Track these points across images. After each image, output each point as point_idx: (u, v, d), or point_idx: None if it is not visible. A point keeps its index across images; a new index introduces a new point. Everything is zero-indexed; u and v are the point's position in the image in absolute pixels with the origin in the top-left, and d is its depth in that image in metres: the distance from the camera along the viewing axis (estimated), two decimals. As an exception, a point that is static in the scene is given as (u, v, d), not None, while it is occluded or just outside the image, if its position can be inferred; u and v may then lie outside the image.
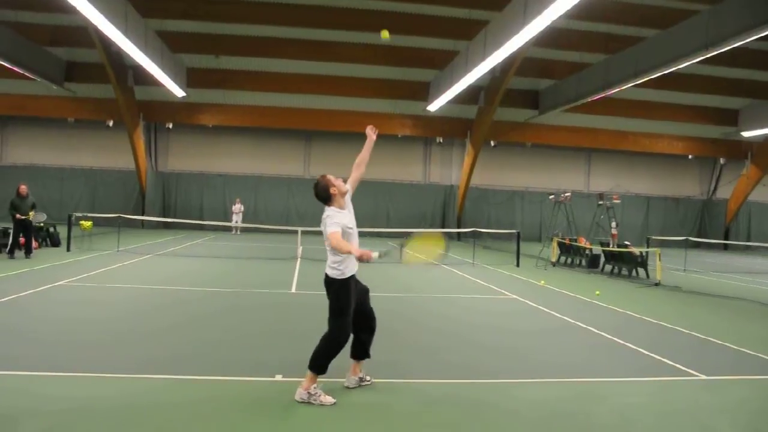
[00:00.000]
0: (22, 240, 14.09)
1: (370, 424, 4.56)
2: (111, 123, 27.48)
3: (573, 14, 13.27)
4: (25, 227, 13.91)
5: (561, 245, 18.97)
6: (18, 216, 13.73)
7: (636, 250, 16.23)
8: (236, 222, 27.15)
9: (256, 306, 9.35)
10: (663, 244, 19.82)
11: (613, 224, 18.64)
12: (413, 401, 5.04)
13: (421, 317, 8.99)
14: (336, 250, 5.11)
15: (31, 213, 14.22)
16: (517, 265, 17.42)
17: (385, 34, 7.00)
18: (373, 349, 6.90)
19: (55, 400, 4.64)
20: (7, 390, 4.85)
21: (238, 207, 28.28)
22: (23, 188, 14.23)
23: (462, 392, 5.36)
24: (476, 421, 4.67)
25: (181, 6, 19.93)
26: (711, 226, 33.58)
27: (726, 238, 31.95)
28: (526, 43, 14.84)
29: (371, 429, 4.47)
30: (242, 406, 4.77)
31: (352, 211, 5.64)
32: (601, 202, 19.36)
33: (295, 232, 19.89)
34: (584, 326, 8.58)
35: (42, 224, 17.03)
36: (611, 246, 17.36)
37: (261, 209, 29.90)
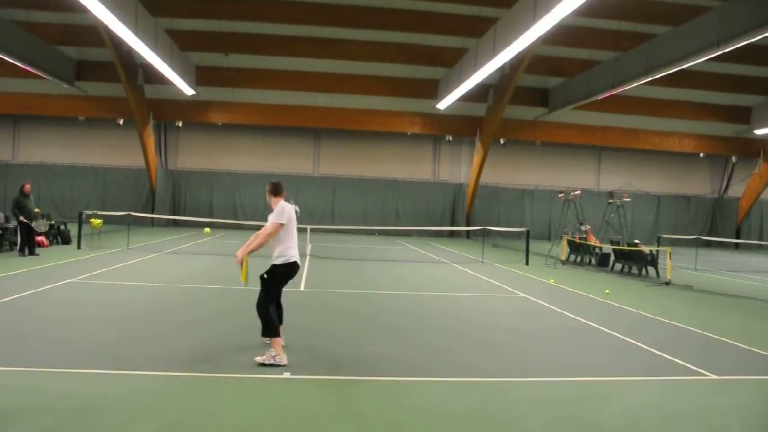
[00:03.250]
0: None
1: (376, 421, 4.55)
2: (121, 121, 27.69)
3: (583, 11, 13.18)
4: (29, 227, 14.00)
5: (571, 243, 18.89)
6: (23, 219, 13.79)
7: (646, 249, 16.13)
8: None
9: (264, 304, 9.36)
10: (674, 243, 19.69)
11: (586, 225, 18.89)
12: (420, 400, 5.03)
13: (429, 315, 8.97)
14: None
15: (36, 210, 14.39)
16: (527, 263, 17.36)
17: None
18: (382, 346, 6.91)
19: (65, 397, 4.67)
20: (16, 387, 4.88)
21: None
22: (28, 187, 14.30)
23: (469, 391, 5.35)
24: (484, 420, 4.65)
25: (190, 4, 20.03)
26: (722, 225, 33.33)
27: (737, 237, 31.72)
28: (536, 40, 14.77)
29: (376, 427, 4.46)
30: (250, 403, 4.78)
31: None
32: (611, 201, 19.28)
33: (304, 230, 19.90)
34: (593, 325, 8.53)
35: (53, 222, 17.16)
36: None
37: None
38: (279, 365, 5.66)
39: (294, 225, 6.20)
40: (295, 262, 6.10)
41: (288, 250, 6.05)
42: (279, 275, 6.06)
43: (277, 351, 5.76)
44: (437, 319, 8.72)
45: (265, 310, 5.93)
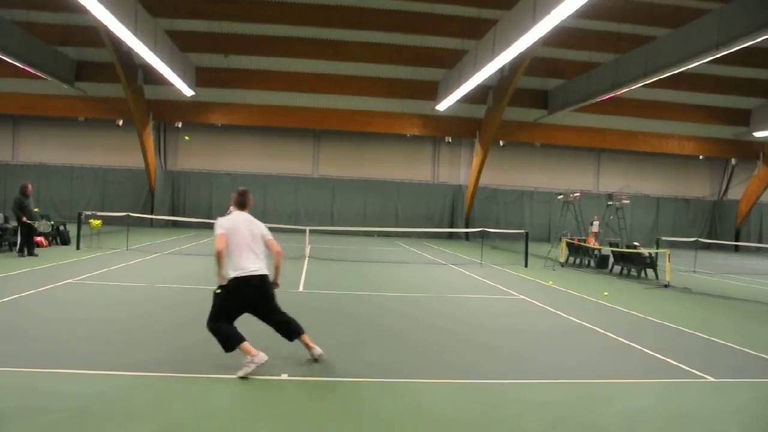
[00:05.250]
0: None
1: (373, 423, 4.55)
2: (121, 122, 27.69)
3: (582, 13, 13.20)
4: (30, 228, 14.01)
5: (570, 245, 18.88)
6: (25, 220, 13.79)
7: (645, 251, 16.12)
8: None
9: (263, 305, 9.35)
10: (673, 245, 19.68)
11: (596, 223, 18.83)
12: (417, 401, 5.03)
13: (427, 317, 8.96)
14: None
15: (36, 209, 14.42)
16: (526, 265, 17.35)
17: None
18: (379, 348, 6.89)
19: (63, 397, 4.67)
20: (15, 387, 4.87)
21: None
22: (30, 187, 14.29)
23: (467, 393, 5.34)
24: (481, 422, 4.64)
25: (190, 5, 20.02)
26: (722, 228, 33.32)
27: (737, 240, 31.69)
28: (536, 42, 14.76)
29: (373, 429, 4.46)
30: (248, 404, 4.77)
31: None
32: (610, 203, 19.29)
33: (303, 231, 19.90)
34: (592, 327, 8.53)
35: (52, 223, 17.16)
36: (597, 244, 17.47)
37: (269, 208, 29.97)
38: (260, 364, 5.43)
39: (239, 238, 5.73)
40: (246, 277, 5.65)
41: (240, 264, 5.67)
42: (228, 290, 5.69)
43: (250, 354, 5.45)
44: (435, 320, 8.71)
45: (210, 324, 5.66)
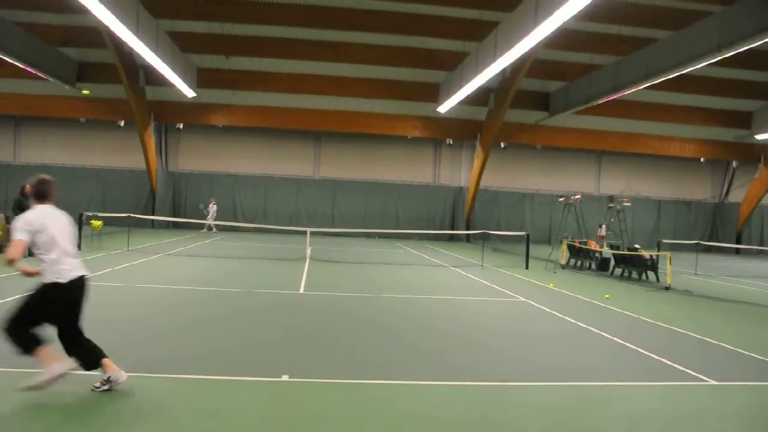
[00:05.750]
0: None
1: (373, 425, 4.54)
2: (122, 123, 27.72)
3: (584, 15, 13.20)
4: None
5: (570, 248, 18.86)
6: None
7: (646, 254, 16.10)
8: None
9: (264, 306, 9.36)
10: (674, 248, 19.64)
11: (603, 227, 18.84)
12: (417, 403, 5.02)
13: (427, 319, 8.94)
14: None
15: None
16: (526, 267, 17.34)
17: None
18: (380, 349, 6.88)
19: (64, 398, 4.67)
20: (16, 387, 4.86)
21: (213, 207, 28.57)
22: (28, 187, 14.26)
23: (467, 395, 5.33)
24: (482, 424, 4.63)
25: (192, 6, 20.05)
26: (723, 230, 33.28)
27: (738, 242, 31.68)
28: (537, 44, 14.77)
29: (371, 430, 4.45)
30: (249, 405, 4.77)
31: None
32: (611, 205, 19.27)
33: (304, 232, 19.90)
34: (593, 330, 8.52)
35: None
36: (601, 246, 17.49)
37: (270, 210, 29.98)
38: (56, 376, 4.58)
39: (53, 236, 4.84)
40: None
41: (58, 267, 4.74)
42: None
43: (46, 363, 4.59)
44: (436, 322, 8.70)
45: (9, 325, 4.70)
